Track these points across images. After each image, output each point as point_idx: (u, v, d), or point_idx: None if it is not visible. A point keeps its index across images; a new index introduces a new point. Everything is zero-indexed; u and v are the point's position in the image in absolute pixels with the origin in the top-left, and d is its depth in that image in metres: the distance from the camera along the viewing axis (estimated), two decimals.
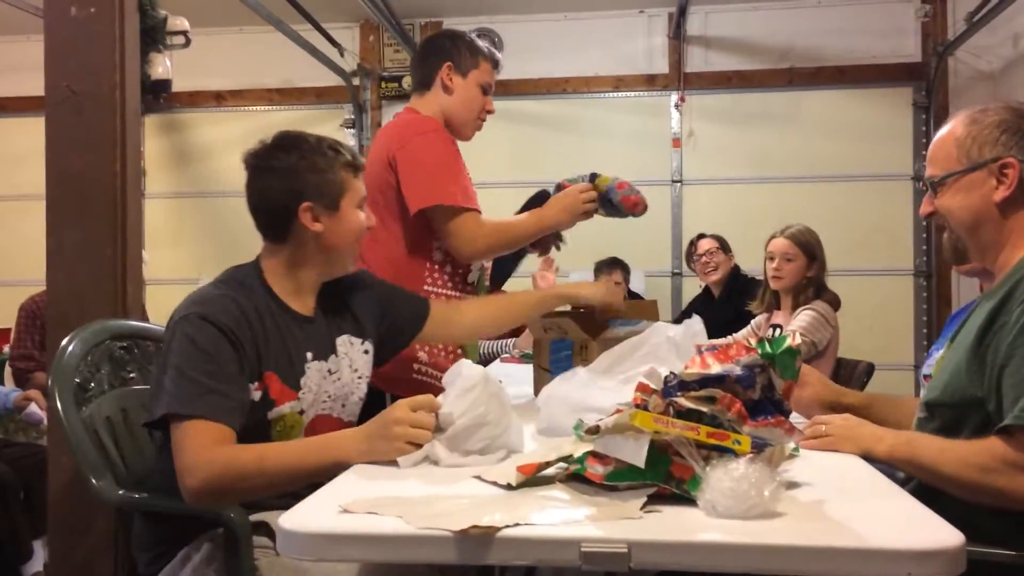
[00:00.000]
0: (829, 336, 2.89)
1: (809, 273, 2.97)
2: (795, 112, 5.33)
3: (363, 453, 1.32)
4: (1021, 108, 1.44)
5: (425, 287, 2.10)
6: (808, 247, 2.98)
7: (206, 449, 1.38)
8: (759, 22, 5.35)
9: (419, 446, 1.29)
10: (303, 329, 1.62)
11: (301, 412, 1.59)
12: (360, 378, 1.73)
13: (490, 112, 2.26)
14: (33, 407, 3.18)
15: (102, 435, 1.68)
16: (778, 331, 2.98)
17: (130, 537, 1.66)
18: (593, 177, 2.19)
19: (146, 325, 2.00)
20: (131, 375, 1.83)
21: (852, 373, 3.00)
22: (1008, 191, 1.39)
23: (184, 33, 2.83)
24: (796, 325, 2.84)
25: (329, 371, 1.65)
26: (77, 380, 1.68)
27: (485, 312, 1.97)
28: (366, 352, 1.74)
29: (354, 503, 1.05)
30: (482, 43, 2.25)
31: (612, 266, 4.74)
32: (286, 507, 1.07)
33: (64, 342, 1.71)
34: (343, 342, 1.69)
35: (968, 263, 1.51)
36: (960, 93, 5.17)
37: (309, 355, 1.61)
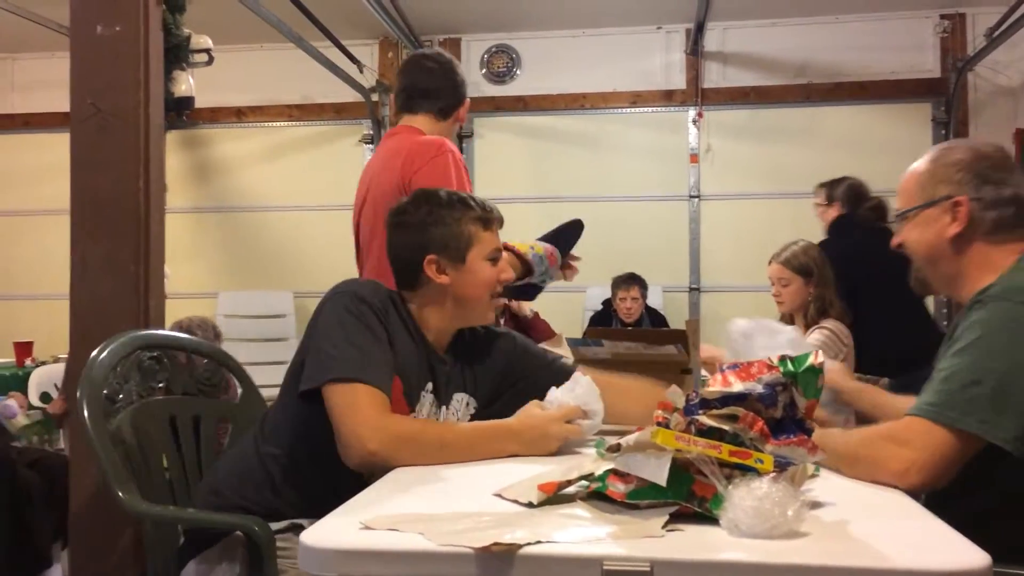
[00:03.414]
0: (844, 354, 2.86)
1: (811, 290, 2.96)
2: (813, 127, 5.33)
3: (524, 453, 1.48)
4: (982, 149, 1.50)
5: None
6: (802, 268, 2.96)
7: (385, 416, 1.45)
8: (777, 38, 5.35)
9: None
10: (432, 363, 1.64)
11: None
12: None
13: None
14: (11, 401, 3.22)
15: (129, 446, 1.70)
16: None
17: (150, 540, 1.69)
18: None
19: (175, 335, 2.01)
20: (160, 385, 1.85)
21: None
22: (959, 227, 1.46)
23: (207, 51, 2.86)
24: (813, 342, 2.83)
25: (437, 418, 1.66)
26: (105, 392, 1.69)
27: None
28: (471, 413, 1.73)
29: (376, 519, 1.05)
30: None
31: (629, 282, 4.74)
32: (319, 515, 1.08)
33: (93, 353, 1.72)
34: (459, 398, 1.70)
35: (932, 294, 1.57)
36: (979, 109, 5.15)
37: (429, 386, 1.63)
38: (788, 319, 3.11)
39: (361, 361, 1.46)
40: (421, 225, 1.62)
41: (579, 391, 1.54)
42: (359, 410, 1.43)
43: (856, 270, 3.25)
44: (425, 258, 1.60)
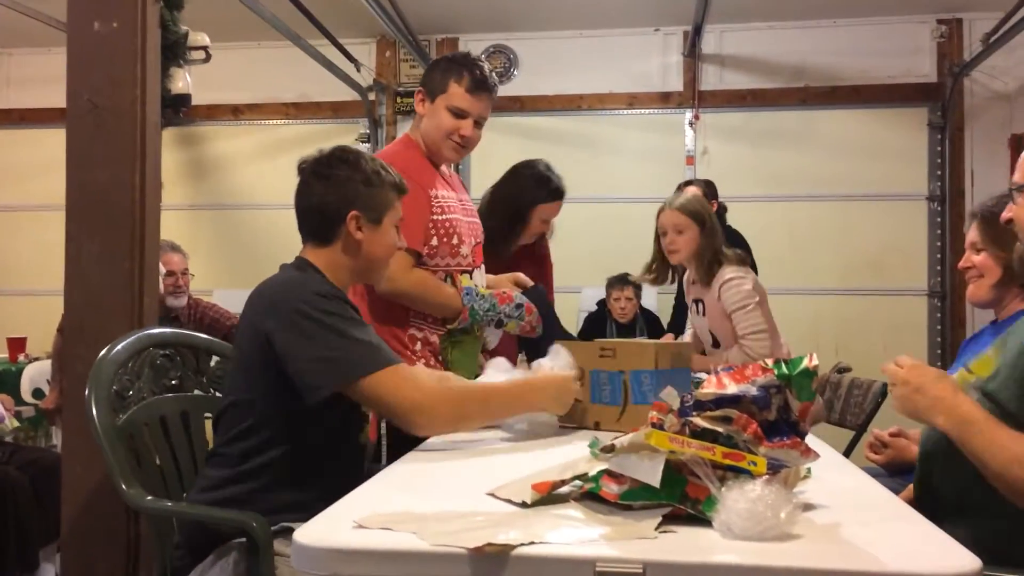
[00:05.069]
0: (752, 281, 2.82)
1: (703, 240, 2.82)
2: (809, 131, 5.33)
3: (550, 407, 1.66)
4: None
5: (411, 318, 2.16)
6: (697, 215, 2.83)
7: (428, 385, 1.59)
8: (774, 41, 5.36)
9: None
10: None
11: None
12: None
13: (464, 136, 2.20)
14: None
15: (138, 442, 1.71)
16: (700, 306, 2.93)
17: (163, 537, 1.70)
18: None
19: (189, 333, 2.02)
20: (173, 382, 1.86)
21: (867, 393, 2.97)
22: None
23: (204, 48, 2.86)
24: (732, 304, 2.74)
25: None
26: (115, 388, 1.70)
27: None
28: None
29: (369, 518, 1.05)
30: (465, 63, 2.19)
31: (624, 282, 4.74)
32: (307, 517, 1.08)
33: (104, 350, 1.73)
34: None
35: None
36: (976, 114, 5.17)
37: None
38: (680, 272, 3.02)
39: (373, 350, 1.54)
40: (348, 180, 1.68)
41: (560, 361, 1.73)
42: (404, 390, 1.53)
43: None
44: (349, 213, 1.67)
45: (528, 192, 2.80)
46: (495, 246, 2.71)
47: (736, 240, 4.06)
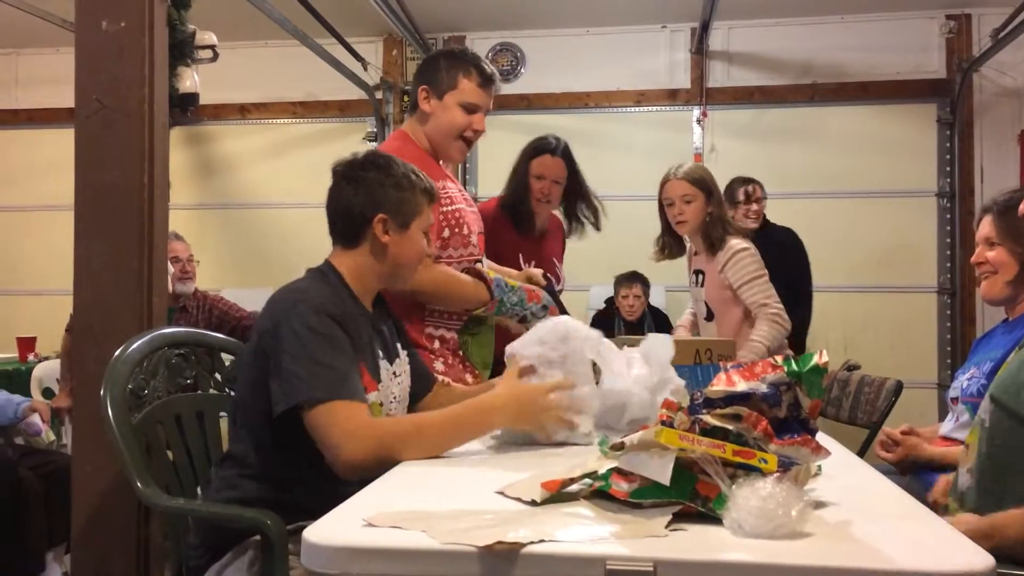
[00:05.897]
0: (756, 252, 2.80)
1: (710, 209, 2.80)
2: (818, 128, 5.31)
3: (513, 424, 1.54)
4: None
5: (426, 317, 2.16)
6: (703, 183, 2.80)
7: (360, 423, 1.47)
8: (782, 37, 5.34)
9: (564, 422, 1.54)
10: (375, 328, 1.72)
11: (381, 404, 1.67)
12: (407, 387, 1.80)
13: (477, 131, 2.20)
14: (35, 418, 3.23)
15: (152, 441, 1.72)
16: (701, 277, 2.91)
17: (178, 535, 1.72)
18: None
19: (203, 332, 2.03)
20: (188, 381, 1.87)
21: (879, 391, 2.95)
22: None
23: (212, 47, 2.87)
24: (745, 276, 2.72)
25: (394, 373, 1.73)
26: (130, 387, 1.71)
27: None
28: (407, 363, 1.82)
29: (379, 517, 1.05)
30: (470, 59, 2.19)
31: (632, 280, 4.73)
32: (315, 518, 1.08)
33: (119, 349, 1.74)
34: (400, 349, 1.79)
35: None
36: (985, 110, 5.14)
37: (380, 353, 1.70)
38: (675, 244, 3.00)
39: (333, 378, 1.48)
40: (377, 184, 1.68)
41: (534, 342, 1.61)
42: (337, 424, 1.45)
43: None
44: (376, 216, 1.67)
45: (524, 152, 2.92)
46: (516, 223, 2.89)
47: (791, 239, 3.99)
